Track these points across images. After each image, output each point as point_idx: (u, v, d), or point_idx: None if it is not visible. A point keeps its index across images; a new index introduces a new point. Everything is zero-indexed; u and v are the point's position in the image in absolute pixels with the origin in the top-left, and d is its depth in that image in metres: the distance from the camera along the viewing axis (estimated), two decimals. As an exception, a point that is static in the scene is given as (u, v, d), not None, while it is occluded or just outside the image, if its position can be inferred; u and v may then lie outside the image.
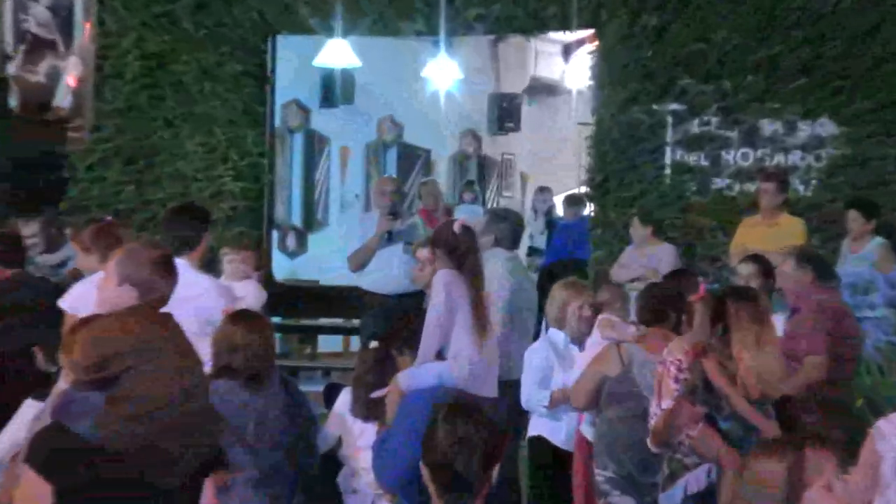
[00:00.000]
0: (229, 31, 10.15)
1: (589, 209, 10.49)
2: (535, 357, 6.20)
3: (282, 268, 12.46)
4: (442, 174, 15.41)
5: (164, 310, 4.42)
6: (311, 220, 14.02)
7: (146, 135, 10.09)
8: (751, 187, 9.20)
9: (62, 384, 4.47)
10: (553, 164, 16.08)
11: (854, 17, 9.17)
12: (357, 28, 10.24)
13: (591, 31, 10.31)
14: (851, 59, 9.18)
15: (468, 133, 16.13)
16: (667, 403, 4.94)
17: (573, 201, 11.68)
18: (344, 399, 5.78)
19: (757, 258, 6.76)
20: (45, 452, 4.17)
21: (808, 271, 6.35)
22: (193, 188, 10.02)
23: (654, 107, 9.59)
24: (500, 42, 15.51)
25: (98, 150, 10.06)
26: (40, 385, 5.52)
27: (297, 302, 11.22)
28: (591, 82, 10.18)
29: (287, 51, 10.95)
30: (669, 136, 9.58)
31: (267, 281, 9.17)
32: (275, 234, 11.95)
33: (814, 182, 9.33)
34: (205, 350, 4.93)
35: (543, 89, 16.76)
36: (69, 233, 7.53)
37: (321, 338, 12.30)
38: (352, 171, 14.46)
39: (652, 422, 5.03)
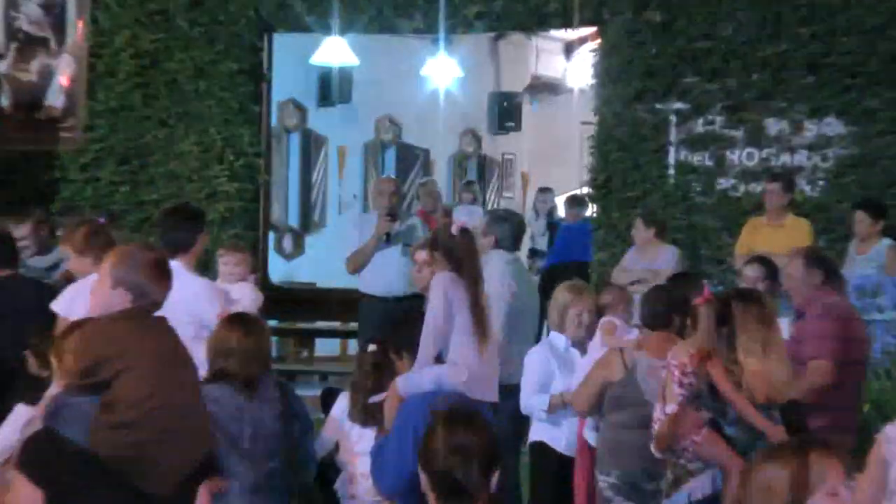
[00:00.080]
0: (224, 28, 10.09)
1: (591, 210, 10.42)
2: (535, 361, 6.15)
3: (278, 270, 12.43)
4: (441, 174, 15.37)
5: (158, 313, 4.41)
6: (308, 222, 13.96)
7: (140, 134, 10.03)
8: (756, 188, 9.17)
9: (54, 389, 4.46)
10: (554, 165, 16.02)
11: (863, 14, 9.12)
12: (355, 25, 10.22)
13: (593, 29, 10.30)
14: (860, 56, 9.13)
15: (468, 132, 16.07)
16: (671, 408, 4.91)
17: (575, 202, 11.62)
18: (341, 404, 5.75)
19: (762, 260, 6.77)
20: (36, 458, 4.14)
21: (818, 273, 6.26)
22: (188, 189, 9.95)
23: (658, 105, 9.56)
24: (501, 40, 15.46)
25: (91, 149, 10.00)
26: (32, 390, 5.43)
27: (294, 305, 11.15)
28: (593, 81, 10.13)
29: (283, 49, 10.89)
30: (673, 135, 9.56)
31: (263, 283, 9.11)
32: (271, 236, 11.89)
33: (820, 182, 9.27)
34: (199, 354, 4.91)
35: (545, 88, 16.75)
36: (61, 235, 7.44)
37: (318, 341, 12.31)
38: (349, 171, 14.41)
39: (655, 427, 4.99)
